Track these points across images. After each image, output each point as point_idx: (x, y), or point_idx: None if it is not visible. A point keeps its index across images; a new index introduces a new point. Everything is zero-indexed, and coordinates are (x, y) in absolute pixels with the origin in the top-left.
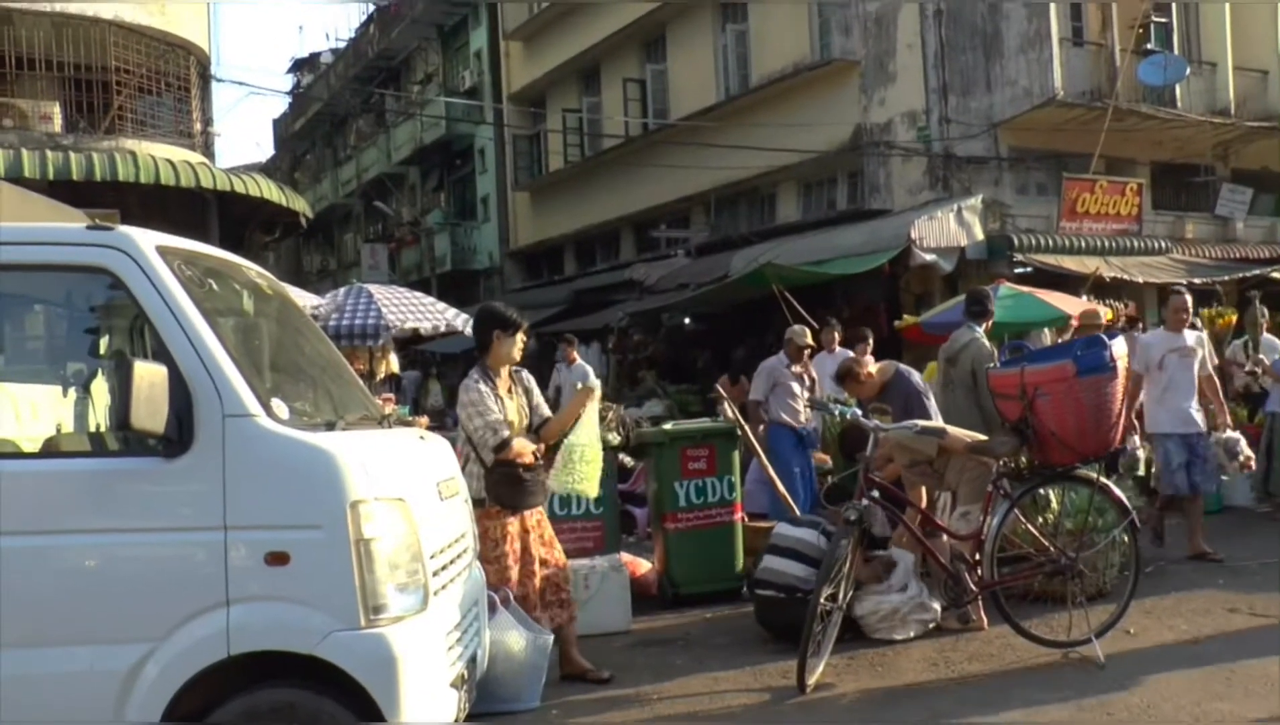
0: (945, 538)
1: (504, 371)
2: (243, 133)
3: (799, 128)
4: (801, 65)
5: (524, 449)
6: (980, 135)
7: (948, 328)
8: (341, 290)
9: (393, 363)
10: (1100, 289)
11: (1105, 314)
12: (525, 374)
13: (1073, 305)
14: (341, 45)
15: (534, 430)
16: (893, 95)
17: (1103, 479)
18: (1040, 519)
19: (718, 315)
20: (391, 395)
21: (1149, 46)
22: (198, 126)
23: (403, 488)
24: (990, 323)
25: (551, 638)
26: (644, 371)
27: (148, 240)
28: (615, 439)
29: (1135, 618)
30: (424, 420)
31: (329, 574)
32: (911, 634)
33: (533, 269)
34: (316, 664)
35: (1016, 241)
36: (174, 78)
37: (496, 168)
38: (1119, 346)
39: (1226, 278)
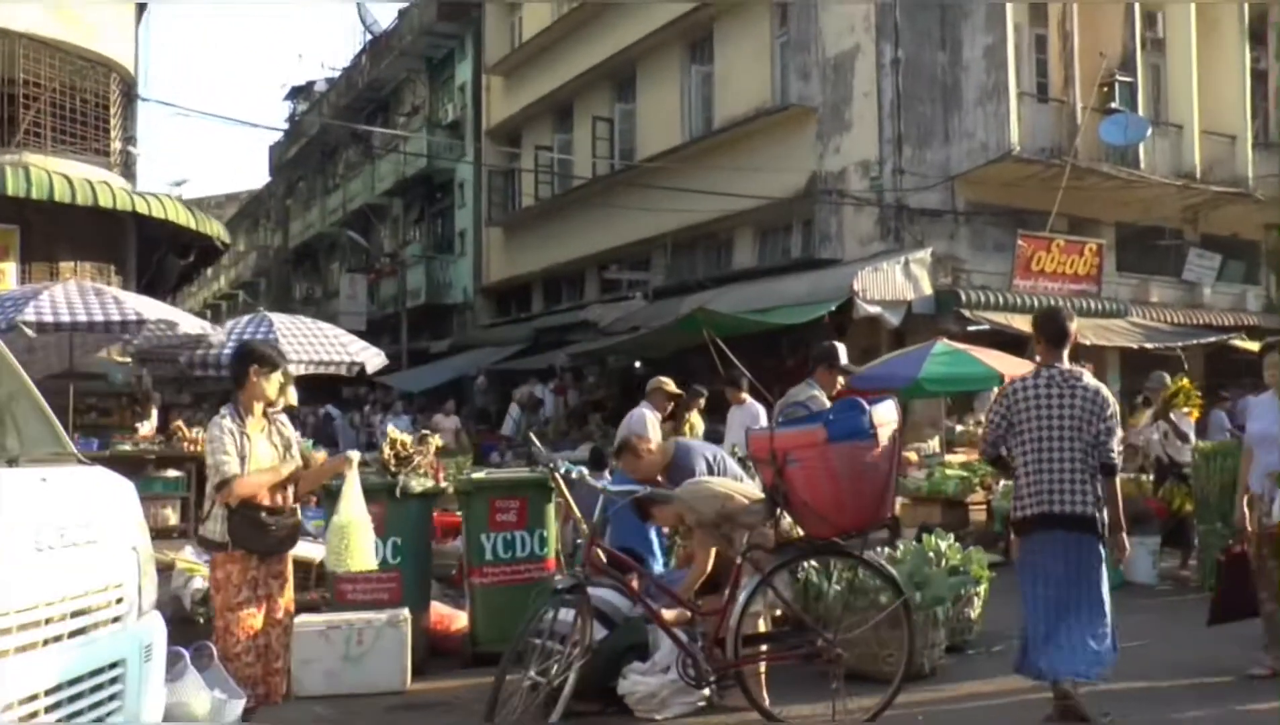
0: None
1: (257, 410)
2: (236, 156)
3: (757, 173)
4: (762, 109)
5: (247, 490)
6: (936, 187)
7: (874, 383)
8: (244, 318)
9: (291, 396)
10: None
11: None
12: (283, 418)
13: (1015, 365)
14: (335, 75)
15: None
16: (848, 143)
17: (868, 555)
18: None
19: (665, 360)
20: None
21: (1113, 105)
22: (116, 145)
23: None
24: (839, 379)
25: (244, 699)
26: (591, 413)
27: None
28: (427, 484)
29: (943, 699)
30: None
31: None
32: (675, 713)
33: (503, 305)
34: None
35: (965, 297)
36: (91, 94)
37: (474, 202)
38: (883, 412)
39: (1182, 344)
